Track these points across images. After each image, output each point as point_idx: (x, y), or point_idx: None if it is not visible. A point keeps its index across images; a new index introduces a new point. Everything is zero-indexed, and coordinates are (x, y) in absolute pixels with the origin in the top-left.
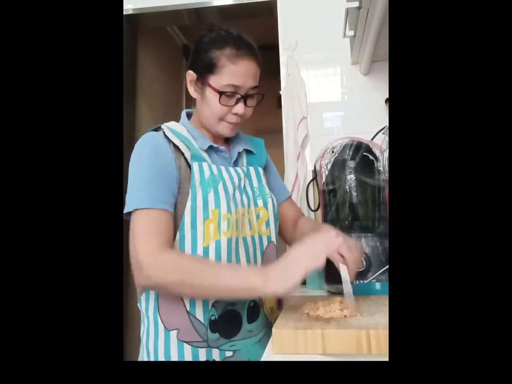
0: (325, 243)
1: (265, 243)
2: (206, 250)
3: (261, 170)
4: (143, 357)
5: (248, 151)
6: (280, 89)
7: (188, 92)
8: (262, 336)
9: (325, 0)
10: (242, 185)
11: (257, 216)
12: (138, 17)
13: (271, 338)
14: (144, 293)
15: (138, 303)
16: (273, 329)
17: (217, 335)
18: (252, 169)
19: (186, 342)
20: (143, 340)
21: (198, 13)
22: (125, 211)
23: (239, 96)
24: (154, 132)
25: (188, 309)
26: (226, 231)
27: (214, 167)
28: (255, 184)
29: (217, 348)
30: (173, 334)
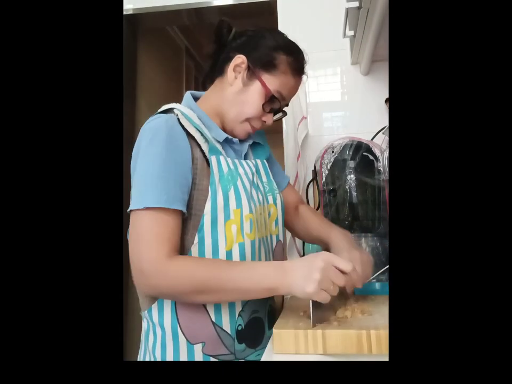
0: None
1: (274, 242)
2: (229, 254)
3: (266, 163)
4: None
5: (254, 143)
6: None
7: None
8: None
9: (325, 0)
10: (255, 181)
11: (268, 214)
12: (138, 17)
13: (271, 339)
14: (156, 302)
15: (145, 312)
16: (274, 329)
17: (243, 345)
18: (259, 162)
19: (213, 356)
20: (157, 353)
21: (198, 13)
22: (134, 208)
23: (279, 105)
24: (165, 115)
25: (214, 320)
26: (250, 233)
27: (230, 161)
28: (264, 179)
29: (244, 359)
30: (197, 348)
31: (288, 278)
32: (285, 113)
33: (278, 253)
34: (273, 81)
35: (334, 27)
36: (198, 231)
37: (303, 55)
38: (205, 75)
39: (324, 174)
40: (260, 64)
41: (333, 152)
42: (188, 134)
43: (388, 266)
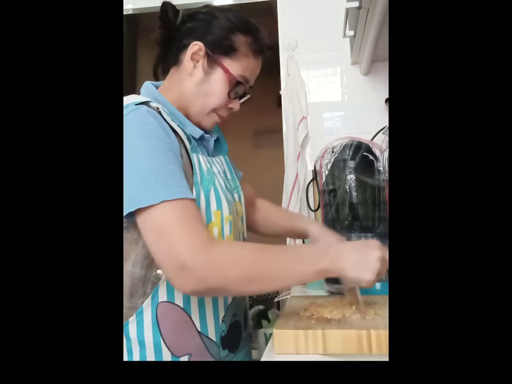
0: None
1: (242, 241)
2: None
3: (228, 158)
4: None
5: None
6: (280, 89)
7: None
8: (249, 342)
9: (325, 0)
10: (225, 179)
11: (236, 213)
12: (138, 17)
13: (271, 338)
14: (134, 315)
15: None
16: (274, 329)
17: (226, 351)
18: (222, 158)
19: None
20: None
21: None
22: (147, 204)
23: (244, 90)
24: (144, 106)
25: (199, 329)
26: (229, 235)
27: (206, 160)
28: (229, 176)
29: None
30: (183, 360)
31: (340, 262)
32: (249, 95)
33: None
34: (235, 66)
35: (334, 27)
36: None
37: (262, 32)
38: (156, 64)
39: (323, 174)
40: (219, 49)
41: (333, 152)
42: (172, 129)
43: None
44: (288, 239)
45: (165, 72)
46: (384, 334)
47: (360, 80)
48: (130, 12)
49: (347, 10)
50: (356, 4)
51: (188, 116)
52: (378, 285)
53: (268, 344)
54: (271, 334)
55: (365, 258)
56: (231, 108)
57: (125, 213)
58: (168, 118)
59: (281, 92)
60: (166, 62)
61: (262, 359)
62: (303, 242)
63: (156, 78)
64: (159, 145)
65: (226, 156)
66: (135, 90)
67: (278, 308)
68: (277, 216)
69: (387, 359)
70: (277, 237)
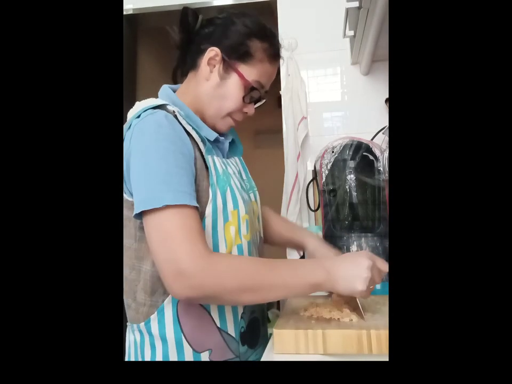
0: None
1: (259, 240)
2: None
3: (242, 160)
4: None
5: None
6: (280, 89)
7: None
8: (267, 339)
9: (325, 0)
10: (240, 180)
11: (253, 212)
12: (138, 17)
13: (271, 338)
14: (156, 313)
15: (141, 324)
16: (274, 329)
17: (246, 347)
18: (237, 159)
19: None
20: None
21: (198, 13)
22: (151, 207)
23: (259, 95)
24: (160, 110)
25: (219, 325)
26: (246, 234)
27: (221, 161)
28: (244, 176)
29: (246, 360)
30: (204, 355)
31: (333, 275)
32: (264, 100)
33: (261, 250)
34: (251, 71)
35: (334, 27)
36: None
37: (278, 38)
38: (175, 67)
39: (323, 174)
40: (235, 54)
41: (333, 152)
42: (186, 132)
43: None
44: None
45: (183, 76)
46: (384, 334)
47: (360, 80)
48: (130, 12)
49: (347, 10)
50: (356, 4)
51: (203, 119)
52: (378, 285)
53: (268, 344)
54: (271, 334)
55: (355, 270)
56: (246, 112)
57: (134, 214)
58: (183, 121)
59: (281, 92)
60: (184, 66)
61: (262, 359)
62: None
63: (175, 81)
64: (170, 149)
65: (241, 157)
66: (135, 90)
67: (278, 308)
68: (278, 225)
69: (387, 359)
70: (277, 246)
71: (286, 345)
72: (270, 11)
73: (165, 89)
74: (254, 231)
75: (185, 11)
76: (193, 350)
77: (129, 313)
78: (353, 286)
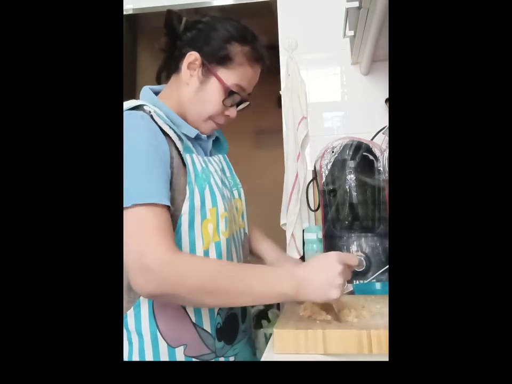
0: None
1: (242, 236)
2: (206, 253)
3: (227, 158)
4: None
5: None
6: (280, 89)
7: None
8: (249, 334)
9: (325, 0)
10: (222, 177)
11: (236, 209)
12: (138, 17)
13: (271, 338)
14: (132, 308)
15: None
16: (274, 329)
17: (222, 343)
18: (221, 157)
19: (195, 357)
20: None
21: (198, 13)
22: (125, 205)
23: (239, 99)
24: (136, 111)
25: (194, 321)
26: (225, 231)
27: (200, 159)
28: (228, 174)
29: (223, 356)
30: (179, 350)
31: (305, 287)
32: (248, 103)
33: (246, 246)
34: (230, 75)
35: (334, 27)
36: (175, 231)
37: (260, 41)
38: (159, 70)
39: (323, 174)
40: (214, 59)
41: (333, 152)
42: (163, 131)
43: (387, 266)
44: (287, 240)
45: (167, 78)
46: (384, 334)
47: (360, 80)
48: (130, 12)
49: (347, 10)
50: (356, 4)
51: (186, 121)
52: (378, 285)
53: (268, 344)
54: (271, 334)
55: (328, 278)
56: (228, 115)
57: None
58: (160, 121)
59: (281, 92)
60: (168, 69)
61: (262, 359)
62: (303, 253)
63: (158, 82)
64: (143, 149)
65: (225, 155)
66: (135, 90)
67: (278, 308)
68: (262, 249)
69: (387, 359)
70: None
71: (286, 345)
72: (270, 11)
73: (146, 90)
74: (236, 227)
75: (170, 14)
76: (168, 344)
77: None
78: (328, 294)
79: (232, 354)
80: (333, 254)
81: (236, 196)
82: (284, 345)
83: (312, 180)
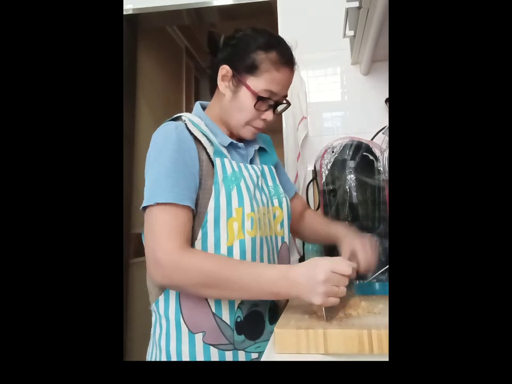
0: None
1: (279, 243)
2: (230, 249)
3: (273, 168)
4: (161, 358)
5: (260, 149)
6: None
7: (187, 91)
8: None
9: (325, 0)
10: (260, 184)
11: (274, 216)
12: (138, 17)
13: (272, 338)
14: (163, 294)
15: (153, 304)
16: (275, 329)
17: (243, 337)
18: (265, 167)
19: (213, 345)
20: (162, 343)
21: (198, 13)
22: (146, 204)
23: (272, 102)
24: (175, 122)
25: (214, 311)
26: (250, 230)
27: (234, 164)
28: (270, 183)
29: (243, 350)
30: (198, 337)
31: (295, 288)
32: (287, 104)
33: (283, 254)
34: (258, 82)
35: (334, 27)
36: (201, 227)
37: (286, 45)
38: (209, 86)
39: (323, 174)
40: (242, 69)
41: (333, 152)
42: (195, 138)
43: (387, 266)
44: None
45: (213, 93)
46: (385, 334)
47: (360, 80)
48: (130, 12)
49: (347, 10)
50: (356, 4)
51: (229, 129)
52: (378, 285)
53: (269, 344)
54: (271, 333)
55: (310, 284)
56: (265, 119)
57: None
58: (194, 129)
59: None
60: (213, 84)
61: (263, 359)
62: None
63: (211, 97)
64: (173, 157)
65: (272, 166)
66: (135, 90)
67: None
68: (317, 225)
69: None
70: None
71: (287, 345)
72: (270, 11)
73: (196, 105)
74: (271, 232)
75: (211, 35)
76: (189, 330)
77: (149, 295)
78: (310, 299)
79: (255, 351)
80: (322, 262)
81: (276, 204)
82: (284, 345)
83: (312, 180)
